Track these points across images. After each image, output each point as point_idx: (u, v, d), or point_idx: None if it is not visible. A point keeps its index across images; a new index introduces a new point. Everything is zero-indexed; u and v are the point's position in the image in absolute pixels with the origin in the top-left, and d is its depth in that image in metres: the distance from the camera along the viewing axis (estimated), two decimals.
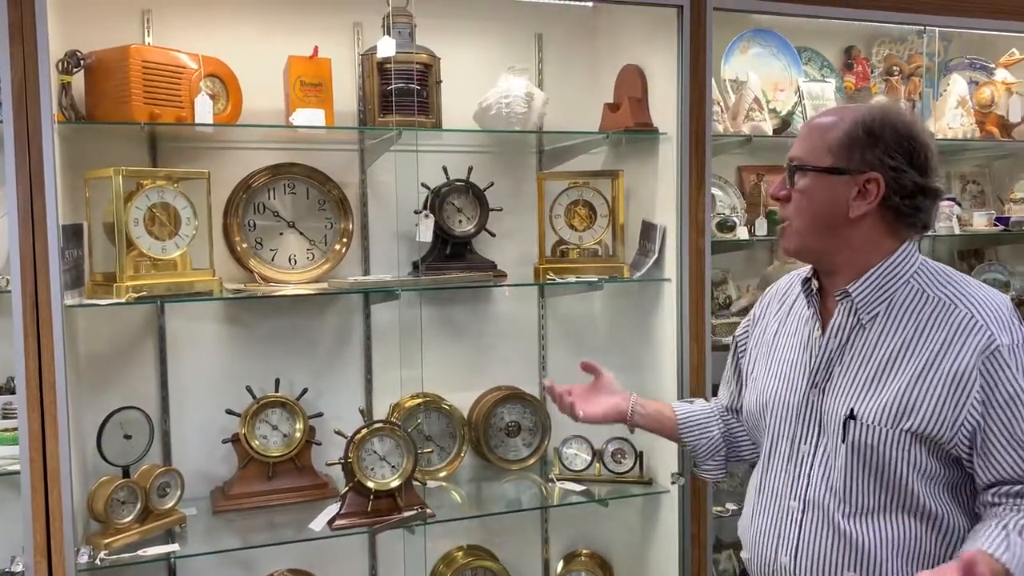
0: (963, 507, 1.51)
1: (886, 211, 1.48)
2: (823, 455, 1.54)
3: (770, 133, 2.85)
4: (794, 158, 1.53)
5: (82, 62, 2.19)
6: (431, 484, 2.64)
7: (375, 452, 2.40)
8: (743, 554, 1.71)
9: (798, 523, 1.56)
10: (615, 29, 2.87)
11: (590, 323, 2.99)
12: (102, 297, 2.19)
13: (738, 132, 2.76)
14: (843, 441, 1.49)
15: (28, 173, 1.97)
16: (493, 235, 2.75)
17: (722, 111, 2.80)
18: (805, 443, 1.57)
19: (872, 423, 1.46)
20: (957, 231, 3.10)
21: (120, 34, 2.36)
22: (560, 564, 3.00)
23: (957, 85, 3.13)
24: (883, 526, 1.48)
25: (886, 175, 1.46)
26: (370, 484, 2.35)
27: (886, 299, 1.50)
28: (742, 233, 2.79)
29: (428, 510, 2.41)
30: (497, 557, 2.87)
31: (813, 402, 1.56)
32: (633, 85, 2.66)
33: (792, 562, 1.55)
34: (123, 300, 2.15)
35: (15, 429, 2.10)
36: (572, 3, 2.74)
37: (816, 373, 1.56)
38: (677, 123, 2.49)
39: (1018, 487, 1.42)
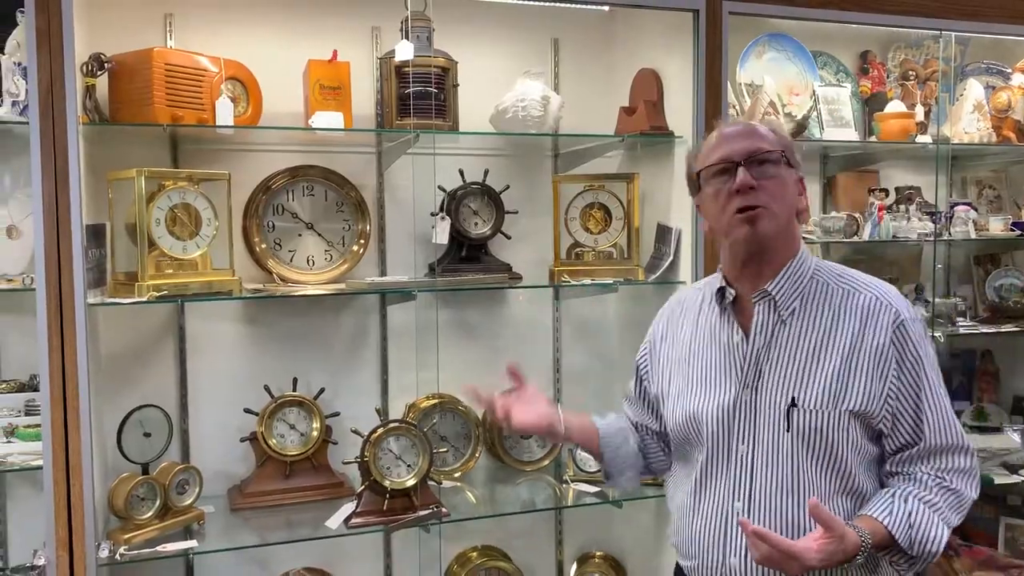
0: (882, 483, 1.62)
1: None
2: (764, 451, 1.58)
3: None
4: (758, 151, 1.58)
5: (106, 65, 2.23)
6: (446, 484, 2.65)
7: (391, 451, 2.42)
8: (683, 562, 1.71)
9: None
10: (631, 33, 2.88)
11: (604, 326, 3.00)
12: (124, 296, 2.22)
13: None
14: (787, 431, 1.56)
15: (53, 174, 2.01)
16: (508, 237, 2.78)
17: (737, 115, 2.81)
18: (742, 443, 1.60)
19: (814, 407, 1.54)
20: (973, 236, 3.10)
21: (142, 37, 2.40)
22: (574, 566, 3.01)
23: (973, 90, 3.13)
24: (830, 510, 1.54)
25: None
26: (386, 483, 2.37)
27: (799, 295, 1.61)
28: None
29: (443, 509, 2.43)
30: (511, 558, 2.88)
31: (746, 401, 1.61)
32: (649, 89, 2.67)
33: (743, 563, 1.58)
34: (144, 299, 2.18)
35: (38, 425, 2.13)
36: (588, 7, 2.76)
37: (746, 374, 1.61)
38: (692, 127, 2.51)
39: (912, 451, 1.56)
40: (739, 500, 1.59)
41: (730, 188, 1.57)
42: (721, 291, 1.67)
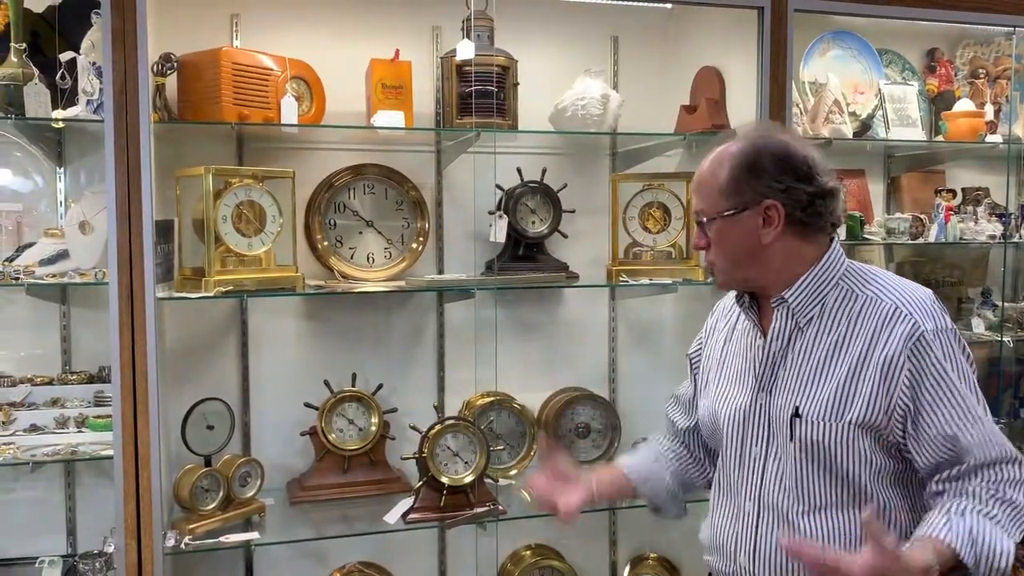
0: (909, 501, 1.56)
1: (793, 226, 1.55)
2: (775, 455, 1.58)
3: (850, 136, 2.81)
4: (698, 212, 1.61)
5: (175, 64, 2.27)
6: (502, 482, 2.66)
7: (448, 448, 2.43)
8: (706, 557, 1.74)
9: (754, 524, 1.60)
10: (692, 31, 2.86)
11: (661, 326, 2.98)
12: (190, 291, 2.27)
13: (817, 135, 2.72)
14: (791, 439, 1.55)
15: (126, 171, 2.06)
16: (566, 236, 2.77)
17: (801, 113, 2.77)
18: (756, 445, 1.61)
19: (816, 419, 1.52)
20: None
21: (209, 38, 2.45)
22: (627, 567, 2.99)
23: None
24: (837, 521, 1.53)
25: (780, 198, 1.53)
26: (444, 479, 2.39)
27: (819, 302, 1.57)
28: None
29: (500, 507, 2.43)
30: (564, 558, 2.88)
31: (761, 404, 1.60)
32: (710, 87, 2.65)
33: (751, 562, 1.59)
34: (211, 294, 2.22)
35: (108, 416, 2.19)
36: (648, 5, 2.75)
37: (762, 377, 1.61)
38: (755, 122, 2.47)
39: (955, 469, 1.49)
40: (750, 500, 1.60)
41: None
42: (741, 295, 1.67)
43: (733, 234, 1.56)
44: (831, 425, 1.50)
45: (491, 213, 2.67)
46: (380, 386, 2.62)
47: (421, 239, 2.70)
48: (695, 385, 1.84)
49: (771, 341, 1.60)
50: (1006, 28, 2.80)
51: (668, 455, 1.87)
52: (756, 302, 1.66)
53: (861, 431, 1.50)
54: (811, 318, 1.57)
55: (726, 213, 1.55)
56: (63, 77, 2.18)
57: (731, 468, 1.66)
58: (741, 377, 1.66)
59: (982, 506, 1.45)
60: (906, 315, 1.50)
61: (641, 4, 2.71)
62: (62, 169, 2.47)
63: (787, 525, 1.55)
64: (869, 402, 1.49)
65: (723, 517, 1.67)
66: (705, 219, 1.59)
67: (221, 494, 2.33)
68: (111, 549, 2.18)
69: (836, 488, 1.53)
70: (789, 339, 1.59)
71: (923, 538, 1.42)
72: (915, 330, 1.48)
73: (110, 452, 2.12)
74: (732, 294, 1.81)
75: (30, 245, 2.34)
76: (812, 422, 1.52)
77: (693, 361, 1.86)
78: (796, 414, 1.54)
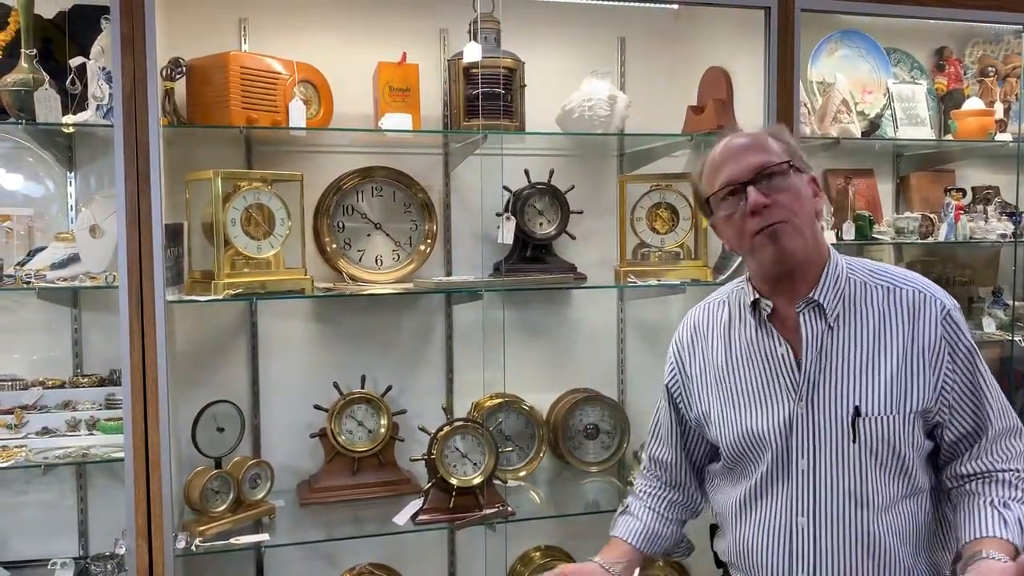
0: (933, 482, 1.60)
1: None
2: (828, 464, 1.54)
3: (858, 136, 2.80)
4: (766, 165, 1.51)
5: (184, 69, 2.28)
6: (510, 483, 2.66)
7: (457, 449, 2.44)
8: None
9: (812, 538, 1.55)
10: (699, 32, 2.85)
11: (670, 326, 2.93)
12: (200, 294, 2.28)
13: (826, 135, 2.72)
14: (853, 441, 1.52)
15: (135, 175, 2.07)
16: (573, 238, 2.77)
17: (809, 113, 2.76)
18: (803, 458, 1.56)
19: (879, 414, 1.51)
20: None
21: (218, 42, 2.46)
22: (637, 569, 2.97)
23: None
24: (896, 517, 1.54)
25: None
26: (453, 481, 2.39)
27: (841, 298, 1.57)
28: (829, 237, 2.74)
29: (509, 508, 2.44)
30: (574, 559, 2.87)
31: (802, 415, 1.55)
32: (718, 87, 2.64)
33: None
34: (221, 297, 2.23)
35: (119, 418, 2.20)
36: (655, 6, 2.75)
37: (801, 387, 1.56)
38: (764, 125, 2.46)
39: (977, 446, 1.53)
40: (803, 515, 1.56)
41: (744, 210, 1.50)
42: (755, 303, 1.61)
43: (806, 191, 1.55)
44: (894, 418, 1.51)
45: (499, 215, 2.68)
46: (389, 388, 2.62)
47: (429, 241, 2.71)
48: (677, 414, 1.78)
49: (807, 349, 1.55)
50: (1015, 26, 2.79)
51: (662, 507, 1.82)
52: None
53: (920, 418, 1.52)
54: (838, 316, 1.56)
55: (800, 166, 1.55)
56: (73, 82, 2.19)
57: (771, 485, 1.59)
58: (768, 391, 1.60)
59: (1016, 492, 1.51)
60: (930, 296, 1.55)
61: (648, 5, 2.71)
62: (72, 174, 2.48)
63: (850, 532, 1.53)
64: (925, 387, 1.52)
65: (770, 538, 1.60)
66: (790, 164, 1.52)
67: (231, 496, 2.34)
68: (122, 551, 2.20)
69: (896, 482, 1.53)
70: (823, 343, 1.55)
71: (987, 540, 1.45)
72: (942, 308, 1.54)
73: (121, 454, 2.14)
74: (702, 311, 1.76)
75: (41, 249, 2.35)
76: (876, 418, 1.51)
77: (674, 392, 1.78)
78: (857, 413, 1.52)
